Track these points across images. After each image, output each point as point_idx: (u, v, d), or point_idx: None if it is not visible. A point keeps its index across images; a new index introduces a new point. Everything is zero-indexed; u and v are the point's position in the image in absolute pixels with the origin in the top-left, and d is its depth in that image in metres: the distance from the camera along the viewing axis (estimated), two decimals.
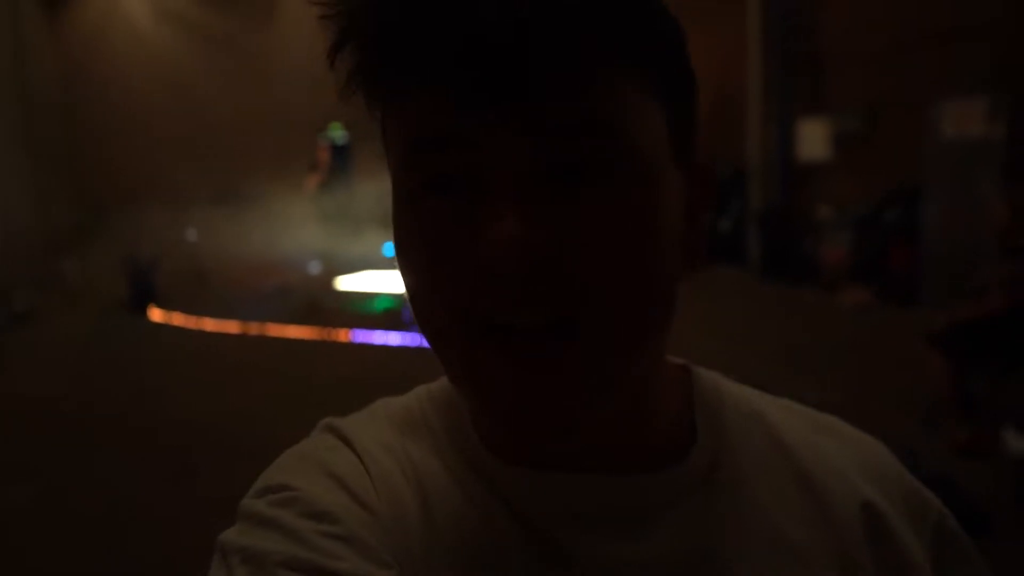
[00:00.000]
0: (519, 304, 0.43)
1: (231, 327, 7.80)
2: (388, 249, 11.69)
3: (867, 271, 7.79)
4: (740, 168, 9.93)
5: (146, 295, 8.70)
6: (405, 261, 0.47)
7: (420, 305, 0.47)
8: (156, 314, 8.49)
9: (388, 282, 9.59)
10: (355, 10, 0.44)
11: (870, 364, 5.66)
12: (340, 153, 14.89)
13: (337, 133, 15.00)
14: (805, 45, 9.10)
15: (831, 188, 8.87)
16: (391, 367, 6.13)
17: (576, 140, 0.42)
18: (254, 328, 7.70)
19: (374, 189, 13.71)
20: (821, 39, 8.98)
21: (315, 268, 10.72)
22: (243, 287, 9.51)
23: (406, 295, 0.48)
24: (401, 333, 7.09)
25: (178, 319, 8.24)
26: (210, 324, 7.94)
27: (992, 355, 4.21)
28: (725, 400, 0.58)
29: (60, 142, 14.90)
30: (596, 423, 0.48)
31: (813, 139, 8.99)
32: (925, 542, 0.55)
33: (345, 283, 9.84)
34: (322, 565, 0.44)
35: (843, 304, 7.58)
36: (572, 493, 0.51)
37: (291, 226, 11.97)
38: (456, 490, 0.52)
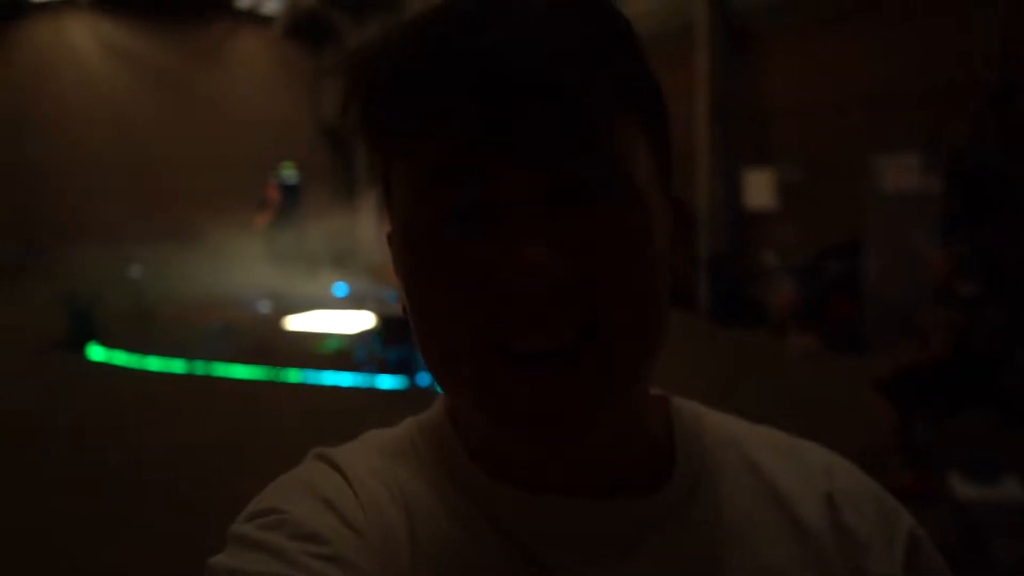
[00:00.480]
0: (536, 327, 0.45)
1: (175, 366, 7.60)
2: (338, 289, 11.62)
3: (811, 317, 7.99)
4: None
5: (86, 333, 8.43)
6: (417, 288, 0.48)
7: (431, 329, 0.48)
8: (97, 352, 8.23)
9: (337, 322, 9.49)
10: (375, 60, 0.47)
11: (815, 408, 5.78)
12: (290, 192, 14.82)
13: (288, 172, 14.94)
14: (748, 99, 9.42)
15: (776, 235, 9.13)
16: (339, 407, 6.04)
17: (581, 170, 0.45)
18: (200, 367, 7.52)
19: (323, 229, 13.65)
20: (763, 93, 9.31)
21: (264, 307, 10.55)
22: (189, 325, 9.29)
23: (412, 322, 0.49)
24: (350, 374, 7.00)
25: (119, 358, 8.00)
26: (153, 363, 7.73)
27: (935, 399, 4.34)
28: (704, 427, 0.60)
29: None
30: (598, 436, 0.49)
31: (759, 188, 9.26)
32: (898, 558, 0.56)
33: (294, 322, 9.69)
34: None
35: (791, 350, 7.74)
36: (559, 514, 0.53)
37: (238, 264, 11.79)
38: (444, 511, 0.53)
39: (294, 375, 7.15)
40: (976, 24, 7.02)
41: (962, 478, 3.53)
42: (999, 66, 6.82)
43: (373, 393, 6.62)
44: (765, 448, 0.61)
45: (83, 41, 17.33)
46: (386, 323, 7.13)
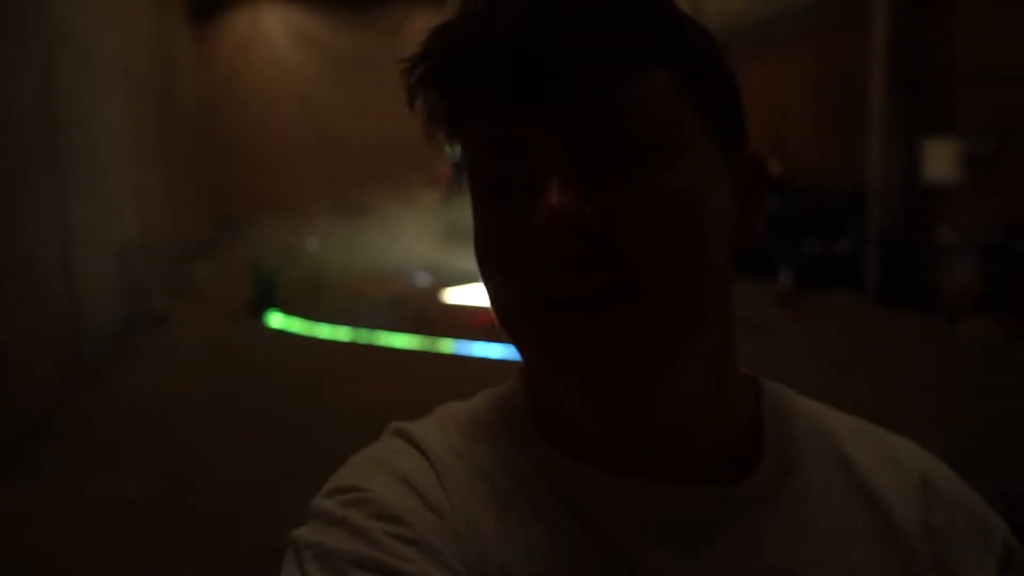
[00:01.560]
0: (572, 274, 0.47)
1: (342, 334, 8.15)
2: None
3: (994, 301, 7.33)
4: (859, 188, 9.54)
5: (268, 301, 9.19)
6: (480, 254, 0.52)
7: (493, 291, 0.52)
8: (276, 319, 8.96)
9: None
10: (426, 61, 0.51)
11: (983, 399, 5.35)
12: (461, 169, 15.29)
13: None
14: (932, 62, 8.68)
15: (957, 212, 8.41)
16: (486, 376, 6.25)
17: (608, 128, 0.47)
18: (363, 335, 8.02)
19: None
20: (951, 55, 8.54)
21: (424, 280, 11.02)
22: (357, 296, 9.90)
23: (484, 289, 0.53)
24: (501, 345, 7.21)
25: (295, 324, 8.68)
26: (323, 330, 8.32)
27: None
28: (795, 414, 0.59)
29: (197, 155, 15.88)
30: (665, 406, 0.52)
31: (940, 160, 8.53)
32: (991, 566, 0.55)
33: (452, 295, 10.08)
34: (390, 566, 0.46)
35: (963, 335, 7.16)
36: (640, 499, 0.52)
37: (408, 239, 12.35)
38: (522, 494, 0.53)
39: (448, 345, 7.47)
40: None
41: None
42: None
43: (515, 364, 6.78)
44: (857, 441, 0.59)
45: (275, 28, 18.67)
46: None
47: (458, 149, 0.53)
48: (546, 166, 0.47)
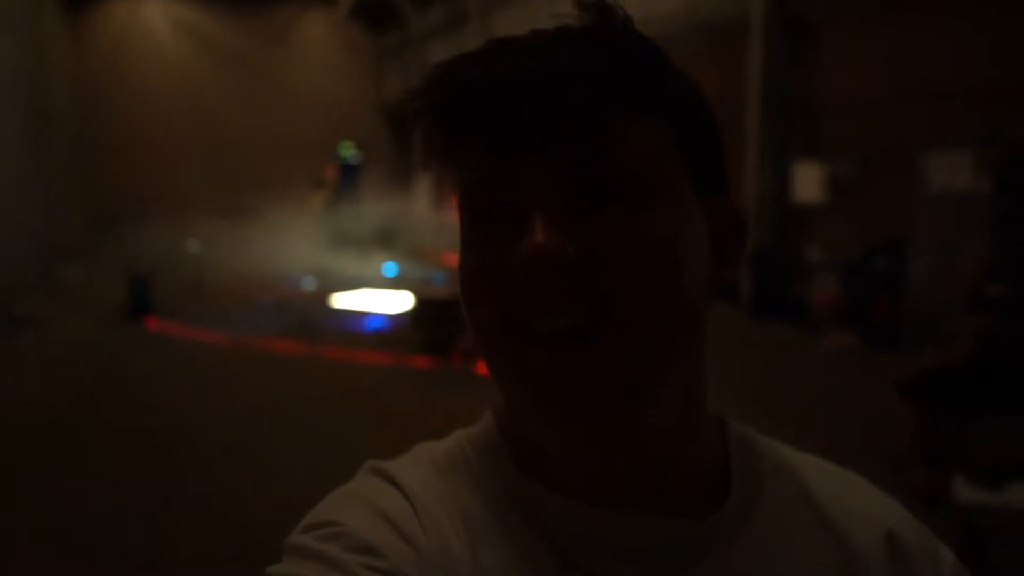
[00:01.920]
0: (552, 308, 0.49)
1: (223, 338, 7.92)
2: (388, 269, 11.84)
3: (853, 315, 7.87)
4: None
5: (144, 304, 8.83)
6: (463, 280, 0.54)
7: (475, 318, 0.53)
8: (152, 322, 8.61)
9: (380, 302, 9.70)
10: (427, 95, 0.53)
11: (846, 408, 5.73)
12: (350, 172, 15.03)
13: (348, 152, 15.17)
14: (802, 90, 9.25)
15: (823, 231, 8.98)
16: (374, 385, 6.23)
17: (592, 171, 0.50)
18: (245, 341, 7.81)
19: (380, 209, 13.89)
20: (818, 85, 9.14)
21: (309, 285, 10.84)
22: (240, 300, 9.64)
23: (464, 311, 0.55)
24: (388, 353, 7.19)
25: (173, 328, 8.37)
26: (203, 334, 8.06)
27: (958, 403, 4.28)
28: (759, 452, 0.61)
29: (71, 151, 15.07)
30: (644, 442, 0.54)
31: (808, 182, 9.10)
32: None
33: (339, 301, 9.95)
34: None
35: (827, 347, 7.65)
36: (614, 530, 0.54)
37: (293, 242, 12.11)
38: (500, 529, 0.54)
39: (334, 352, 7.38)
40: None
41: (967, 483, 3.50)
42: None
43: (406, 372, 6.81)
44: (818, 477, 0.62)
45: (157, 21, 17.91)
46: (422, 304, 7.28)
47: (451, 176, 0.54)
48: (533, 201, 0.50)
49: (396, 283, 10.56)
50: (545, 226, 0.48)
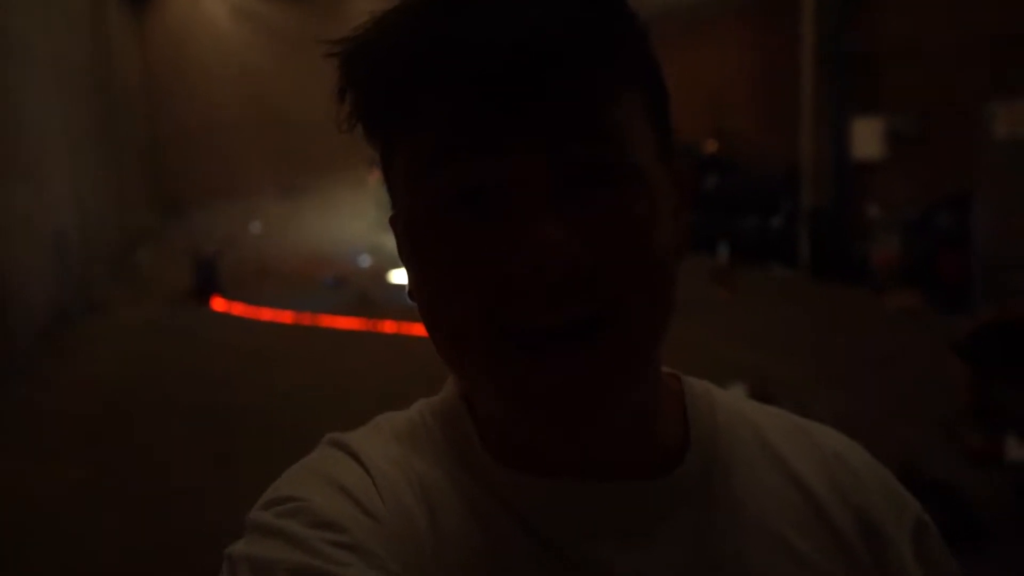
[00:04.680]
0: (552, 305, 0.45)
1: (285, 317, 8.16)
2: None
3: (916, 275, 7.64)
4: (793, 167, 9.80)
5: (209, 286, 9.15)
6: (422, 272, 0.50)
7: (439, 313, 0.49)
8: (218, 303, 8.93)
9: None
10: (367, 47, 0.48)
11: (905, 370, 5.61)
12: None
13: None
14: (860, 43, 8.94)
15: (883, 189, 8.71)
16: (432, 357, 6.35)
17: (586, 148, 0.46)
18: (306, 319, 8.04)
19: None
20: (876, 38, 8.81)
21: (365, 261, 11.03)
22: (300, 279, 9.90)
23: (419, 306, 0.50)
24: None
25: (238, 308, 8.66)
26: (266, 314, 8.33)
27: (1011, 362, 4.15)
28: (716, 407, 0.59)
29: (140, 141, 15.57)
30: (616, 416, 0.50)
31: (867, 138, 8.82)
32: (906, 542, 0.56)
33: (396, 276, 10.13)
34: (329, 573, 0.45)
35: (890, 307, 7.46)
36: (575, 500, 0.52)
37: (348, 221, 12.31)
38: (461, 500, 0.53)
39: (391, 327, 7.54)
40: None
41: (1018, 442, 3.42)
42: None
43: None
44: (777, 429, 0.60)
45: (215, 8, 18.26)
46: None
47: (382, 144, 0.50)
48: (525, 181, 0.45)
49: None
50: (546, 217, 0.44)
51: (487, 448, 0.55)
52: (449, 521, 0.52)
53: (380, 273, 10.20)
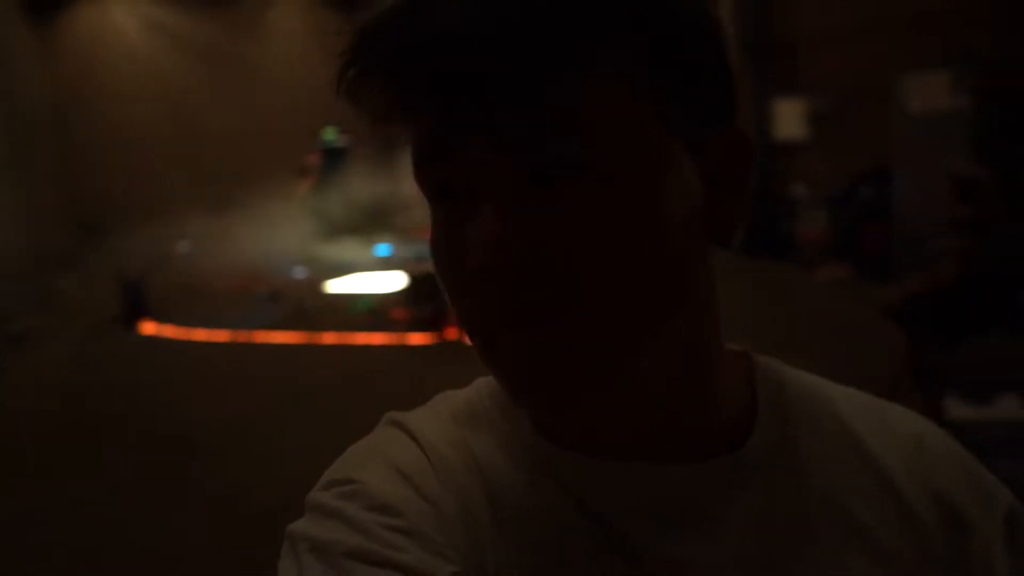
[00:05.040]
0: (509, 299, 0.46)
1: (221, 336, 7.95)
2: (380, 250, 11.82)
3: (843, 248, 7.88)
4: None
5: (137, 309, 8.84)
6: (432, 258, 0.51)
7: (450, 299, 0.51)
8: (148, 327, 8.64)
9: (374, 283, 9.71)
10: (354, 50, 0.47)
11: (840, 337, 5.77)
12: (335, 156, 14.89)
13: (331, 137, 15.05)
14: (777, 27, 9.18)
15: (807, 167, 8.96)
16: (374, 367, 6.27)
17: (542, 146, 0.45)
18: (243, 336, 7.84)
19: (368, 191, 13.81)
20: (792, 22, 9.05)
21: (300, 273, 10.84)
22: (233, 295, 9.65)
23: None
24: (384, 333, 7.22)
25: (169, 331, 8.39)
26: (201, 334, 8.09)
27: (944, 326, 4.31)
28: (787, 384, 0.58)
29: (50, 160, 14.98)
30: (618, 394, 0.49)
31: (789, 119, 9.07)
32: (997, 533, 0.54)
33: (333, 287, 9.97)
34: (385, 557, 0.45)
35: (820, 280, 7.67)
36: (632, 481, 0.52)
37: (282, 233, 12.07)
38: (520, 482, 0.52)
39: (331, 338, 7.41)
40: None
41: (959, 400, 3.54)
42: None
43: (404, 350, 6.85)
44: (852, 407, 0.59)
45: (127, 21, 17.70)
46: (415, 281, 7.30)
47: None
48: (480, 181, 0.46)
49: (389, 263, 10.54)
50: (496, 214, 0.45)
51: (537, 426, 0.54)
52: (507, 504, 0.52)
53: (316, 284, 10.03)
